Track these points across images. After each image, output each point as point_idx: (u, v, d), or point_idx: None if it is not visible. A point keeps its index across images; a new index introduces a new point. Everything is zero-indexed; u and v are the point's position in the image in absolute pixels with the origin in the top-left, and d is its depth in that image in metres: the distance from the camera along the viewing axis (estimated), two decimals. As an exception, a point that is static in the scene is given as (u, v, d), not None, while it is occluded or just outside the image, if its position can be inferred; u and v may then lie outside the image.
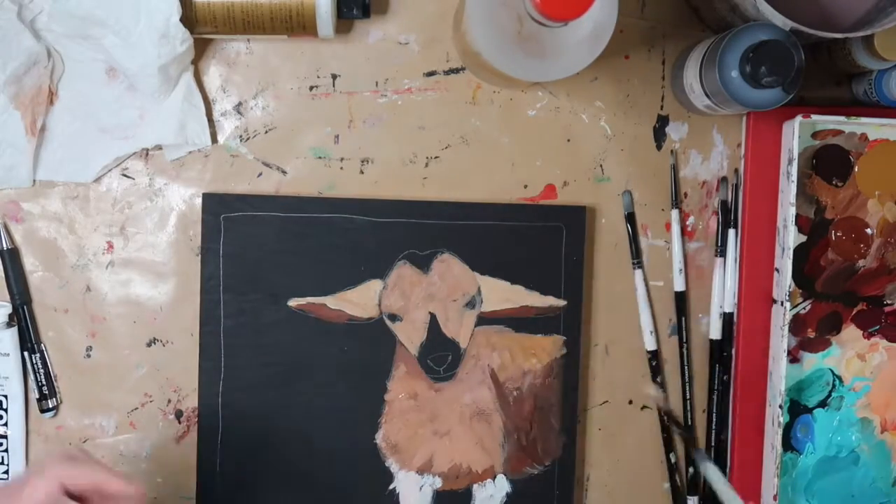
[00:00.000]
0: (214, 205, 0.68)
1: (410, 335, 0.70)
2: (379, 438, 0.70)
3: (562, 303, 0.70)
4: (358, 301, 0.69)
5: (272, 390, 0.69)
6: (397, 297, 0.69)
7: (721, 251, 0.71)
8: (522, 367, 0.70)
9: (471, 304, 0.70)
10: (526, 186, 0.71)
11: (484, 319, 0.70)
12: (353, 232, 0.69)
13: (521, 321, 0.70)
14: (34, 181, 0.69)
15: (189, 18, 0.64)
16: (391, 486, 0.70)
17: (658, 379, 0.72)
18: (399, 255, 0.69)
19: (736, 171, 0.72)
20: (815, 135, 0.70)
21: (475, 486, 0.71)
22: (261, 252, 0.69)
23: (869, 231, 0.70)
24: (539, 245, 0.70)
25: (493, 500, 0.71)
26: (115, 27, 0.64)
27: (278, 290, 0.69)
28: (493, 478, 0.71)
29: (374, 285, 0.69)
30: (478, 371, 0.70)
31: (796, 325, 0.70)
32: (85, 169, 0.68)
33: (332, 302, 0.69)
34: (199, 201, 0.69)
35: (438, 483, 0.70)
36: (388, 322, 0.70)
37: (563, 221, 0.70)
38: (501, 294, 0.70)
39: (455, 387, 0.70)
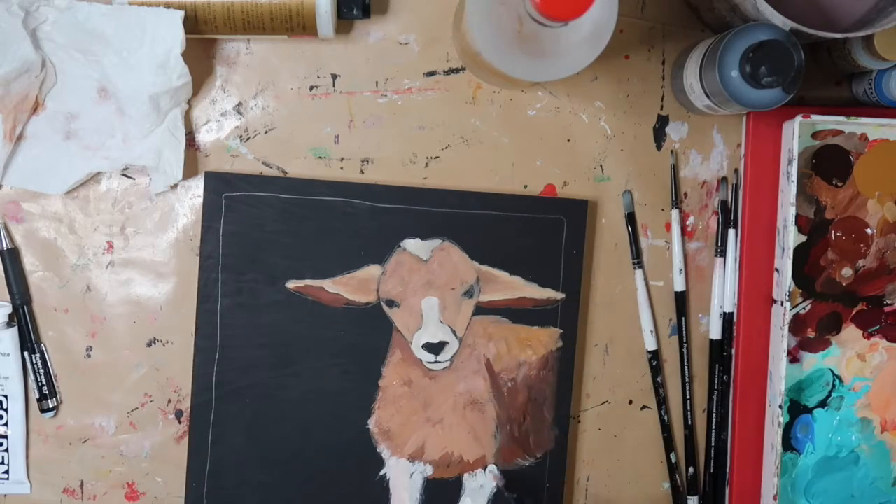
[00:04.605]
0: (217, 183, 0.69)
1: (407, 322, 0.70)
2: (371, 424, 0.70)
3: (560, 295, 0.70)
4: (356, 286, 0.69)
5: (267, 371, 0.69)
6: (396, 283, 0.69)
7: (721, 251, 0.71)
8: (518, 359, 0.70)
9: (469, 294, 0.70)
10: (526, 186, 0.71)
11: (481, 309, 0.70)
12: (354, 216, 0.69)
13: (518, 312, 0.70)
14: (0, 185, 0.69)
15: (189, 18, 0.64)
16: (381, 472, 0.70)
17: (658, 379, 0.72)
18: (399, 242, 0.69)
19: (736, 171, 0.72)
20: (815, 135, 0.70)
21: (466, 476, 0.71)
22: (261, 232, 0.69)
23: (869, 231, 0.70)
24: (539, 237, 0.70)
25: (483, 490, 0.71)
26: (118, 47, 0.64)
27: (277, 272, 0.69)
28: (485, 468, 0.71)
29: (373, 270, 0.69)
30: (473, 360, 0.70)
31: (796, 325, 0.70)
32: (58, 181, 0.68)
33: (330, 285, 0.69)
34: (199, 201, 0.70)
35: (429, 471, 0.71)
36: (385, 308, 0.70)
37: (563, 214, 0.70)
38: (500, 284, 0.70)
39: (449, 375, 0.70)
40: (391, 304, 0.70)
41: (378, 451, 0.70)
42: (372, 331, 0.70)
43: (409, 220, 0.69)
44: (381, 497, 0.70)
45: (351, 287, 0.69)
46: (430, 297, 0.70)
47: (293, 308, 0.69)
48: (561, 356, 0.70)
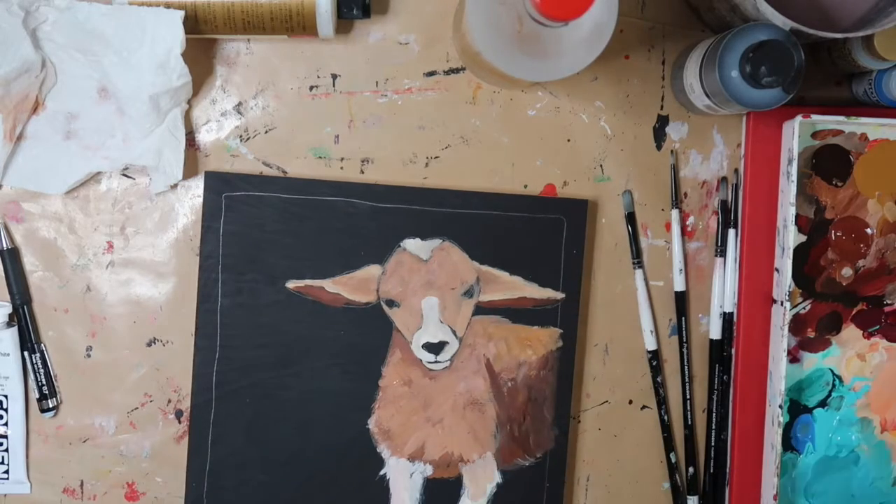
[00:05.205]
0: (217, 183, 0.69)
1: (407, 322, 0.70)
2: (371, 424, 0.70)
3: (560, 295, 0.70)
4: (356, 285, 0.69)
5: (267, 371, 0.69)
6: (396, 283, 0.69)
7: (721, 251, 0.72)
8: (518, 359, 0.70)
9: (469, 293, 0.70)
10: (526, 186, 0.71)
11: (481, 309, 0.70)
12: (355, 216, 0.69)
13: (518, 312, 0.70)
14: (0, 185, 0.69)
15: (189, 18, 0.64)
16: (381, 472, 0.70)
17: (658, 379, 0.72)
18: (399, 242, 0.69)
19: (736, 171, 0.72)
20: (815, 135, 0.70)
21: (464, 467, 0.71)
22: (261, 232, 0.69)
23: (869, 231, 0.70)
24: (539, 237, 0.70)
25: (484, 490, 0.71)
26: (118, 46, 0.64)
27: (277, 272, 0.69)
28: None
29: (373, 270, 0.69)
30: (473, 360, 0.70)
31: (796, 325, 0.70)
32: (58, 181, 0.68)
33: (330, 285, 0.69)
34: (199, 201, 0.70)
35: (429, 471, 0.71)
36: (385, 308, 0.70)
37: (563, 214, 0.70)
38: (500, 284, 0.70)
39: (449, 375, 0.70)
40: (391, 303, 0.70)
41: (378, 450, 0.70)
42: (372, 331, 0.70)
43: (409, 219, 0.69)
44: (381, 497, 0.70)
45: (351, 287, 0.69)
46: (430, 296, 0.70)
47: (293, 308, 0.69)
48: (561, 356, 0.70)
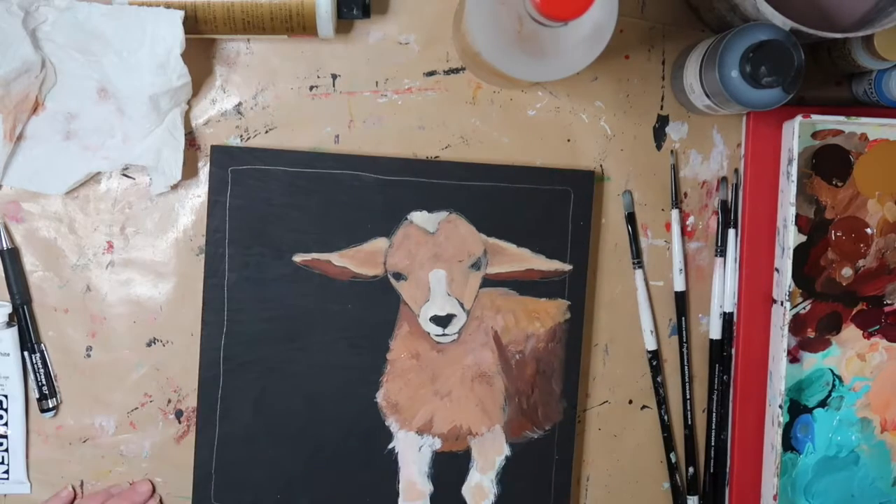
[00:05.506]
0: (223, 157, 0.68)
1: (415, 294, 0.70)
2: (380, 397, 0.70)
3: (567, 267, 0.70)
4: (363, 259, 0.69)
5: (274, 345, 0.69)
6: (403, 256, 0.69)
7: (721, 251, 0.72)
8: (526, 331, 0.70)
9: (476, 266, 0.70)
10: (526, 186, 0.71)
11: (489, 281, 0.70)
12: (361, 189, 0.69)
13: (525, 284, 0.70)
14: (0, 186, 0.69)
15: (189, 18, 0.64)
16: (390, 446, 0.70)
17: (658, 379, 0.72)
18: (406, 214, 0.69)
19: (736, 171, 0.72)
20: (815, 135, 0.70)
21: (472, 440, 0.71)
22: (267, 206, 0.69)
23: (869, 231, 0.70)
24: (546, 208, 0.69)
25: (493, 463, 0.71)
26: (118, 46, 0.64)
27: (284, 245, 0.69)
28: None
29: (380, 243, 0.69)
30: (481, 333, 0.70)
31: (796, 325, 0.70)
32: (58, 181, 0.68)
33: (337, 259, 0.69)
34: (199, 202, 0.70)
35: (438, 444, 0.71)
36: (392, 281, 0.69)
37: (570, 185, 0.70)
38: (507, 256, 0.70)
39: (457, 348, 0.70)
40: (398, 276, 0.69)
41: (386, 424, 0.70)
42: (379, 304, 0.69)
43: (415, 192, 0.69)
44: (389, 470, 0.70)
45: (358, 260, 0.69)
46: (437, 269, 0.69)
47: (300, 282, 0.69)
48: (569, 328, 0.70)
